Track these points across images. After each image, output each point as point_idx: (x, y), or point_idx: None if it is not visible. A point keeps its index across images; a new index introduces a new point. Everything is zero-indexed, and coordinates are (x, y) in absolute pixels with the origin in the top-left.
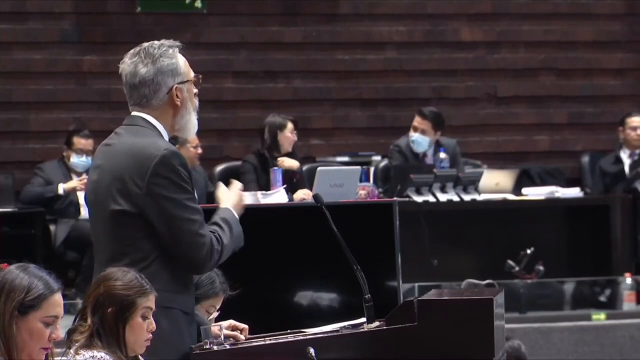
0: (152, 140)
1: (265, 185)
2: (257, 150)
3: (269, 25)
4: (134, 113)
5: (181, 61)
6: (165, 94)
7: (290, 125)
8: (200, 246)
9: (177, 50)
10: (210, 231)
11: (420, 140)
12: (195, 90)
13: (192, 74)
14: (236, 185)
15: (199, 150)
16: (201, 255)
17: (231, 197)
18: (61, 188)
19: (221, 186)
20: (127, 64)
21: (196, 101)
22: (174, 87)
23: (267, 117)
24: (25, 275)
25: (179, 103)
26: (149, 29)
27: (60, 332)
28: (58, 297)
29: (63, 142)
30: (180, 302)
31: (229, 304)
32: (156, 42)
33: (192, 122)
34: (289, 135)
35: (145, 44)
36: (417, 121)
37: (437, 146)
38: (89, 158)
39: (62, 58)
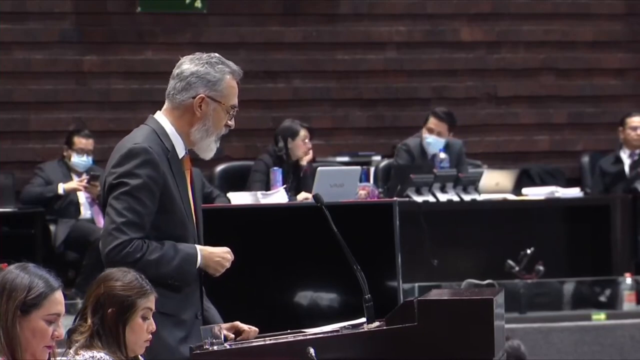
0: (136, 135)
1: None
2: (273, 152)
3: (269, 25)
4: (156, 114)
5: (226, 82)
6: (190, 97)
7: (302, 133)
8: (112, 239)
9: (228, 71)
10: (144, 240)
11: (435, 142)
12: (230, 123)
13: (230, 102)
14: (225, 248)
15: None
16: (108, 247)
17: (212, 248)
18: (61, 188)
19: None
20: (182, 57)
21: (222, 129)
22: (202, 96)
23: (277, 120)
24: (25, 275)
25: (198, 114)
26: (149, 29)
27: (63, 330)
28: (59, 295)
29: (63, 142)
30: (161, 304)
31: (229, 304)
32: (217, 55)
33: (207, 142)
34: (300, 144)
35: (211, 53)
36: (433, 123)
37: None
38: (90, 158)
39: (62, 58)
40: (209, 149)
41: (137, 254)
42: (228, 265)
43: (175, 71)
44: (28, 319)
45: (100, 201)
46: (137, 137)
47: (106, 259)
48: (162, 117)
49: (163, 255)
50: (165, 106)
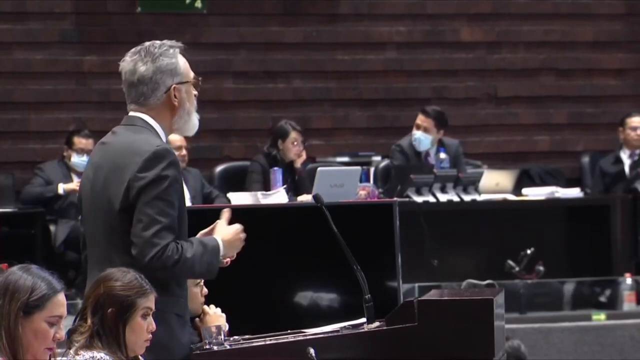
0: (147, 137)
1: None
2: (268, 152)
3: (269, 25)
4: (131, 113)
5: (181, 62)
6: (163, 93)
7: (293, 135)
8: (150, 246)
9: (177, 50)
10: (176, 241)
11: (422, 138)
12: (195, 92)
13: (191, 75)
14: (237, 226)
15: (183, 152)
16: (148, 256)
17: (226, 232)
18: (61, 188)
19: (221, 222)
20: (127, 62)
21: (195, 102)
22: (173, 87)
23: (270, 119)
24: (28, 276)
25: (176, 103)
26: (149, 29)
27: (64, 332)
28: (61, 297)
29: (63, 142)
30: (173, 304)
31: (229, 304)
32: (157, 41)
33: (191, 122)
34: (290, 146)
35: (147, 43)
36: (420, 119)
37: (439, 146)
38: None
39: (62, 58)
40: (194, 126)
41: (175, 256)
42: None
43: (134, 78)
44: (30, 320)
45: None
46: (151, 138)
47: (147, 268)
48: (146, 117)
49: (195, 253)
50: (136, 109)
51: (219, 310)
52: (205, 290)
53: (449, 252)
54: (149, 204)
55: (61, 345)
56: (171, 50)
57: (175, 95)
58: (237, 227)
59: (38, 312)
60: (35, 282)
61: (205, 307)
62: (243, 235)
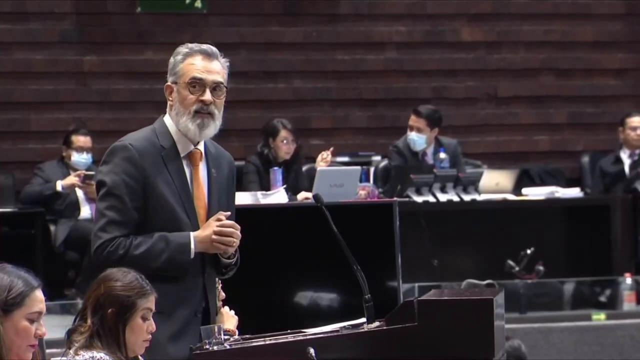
0: (134, 133)
1: (267, 186)
2: (261, 152)
3: (269, 25)
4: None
5: (183, 63)
6: (165, 90)
7: (282, 134)
8: (96, 239)
9: (185, 52)
10: (129, 236)
11: (416, 138)
12: (204, 97)
13: (187, 78)
14: (214, 222)
15: None
16: (93, 248)
17: (203, 232)
18: (59, 184)
19: (210, 219)
20: None
21: (194, 106)
22: (166, 85)
23: (270, 119)
24: (4, 275)
25: (171, 102)
26: (149, 29)
27: (45, 329)
28: (39, 293)
29: (62, 143)
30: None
31: (228, 304)
32: (187, 43)
33: (182, 124)
34: (280, 145)
35: None
36: (412, 120)
37: (438, 146)
38: (89, 155)
39: (62, 58)
40: (188, 129)
41: (120, 251)
42: (226, 237)
43: None
44: (11, 318)
45: None
46: (129, 135)
47: (94, 260)
48: (167, 117)
49: (149, 249)
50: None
51: (232, 312)
52: (222, 294)
53: (449, 252)
54: (100, 198)
55: (61, 345)
56: (179, 49)
57: (171, 94)
58: (209, 223)
59: (17, 309)
60: (12, 280)
61: (223, 308)
62: (213, 229)
